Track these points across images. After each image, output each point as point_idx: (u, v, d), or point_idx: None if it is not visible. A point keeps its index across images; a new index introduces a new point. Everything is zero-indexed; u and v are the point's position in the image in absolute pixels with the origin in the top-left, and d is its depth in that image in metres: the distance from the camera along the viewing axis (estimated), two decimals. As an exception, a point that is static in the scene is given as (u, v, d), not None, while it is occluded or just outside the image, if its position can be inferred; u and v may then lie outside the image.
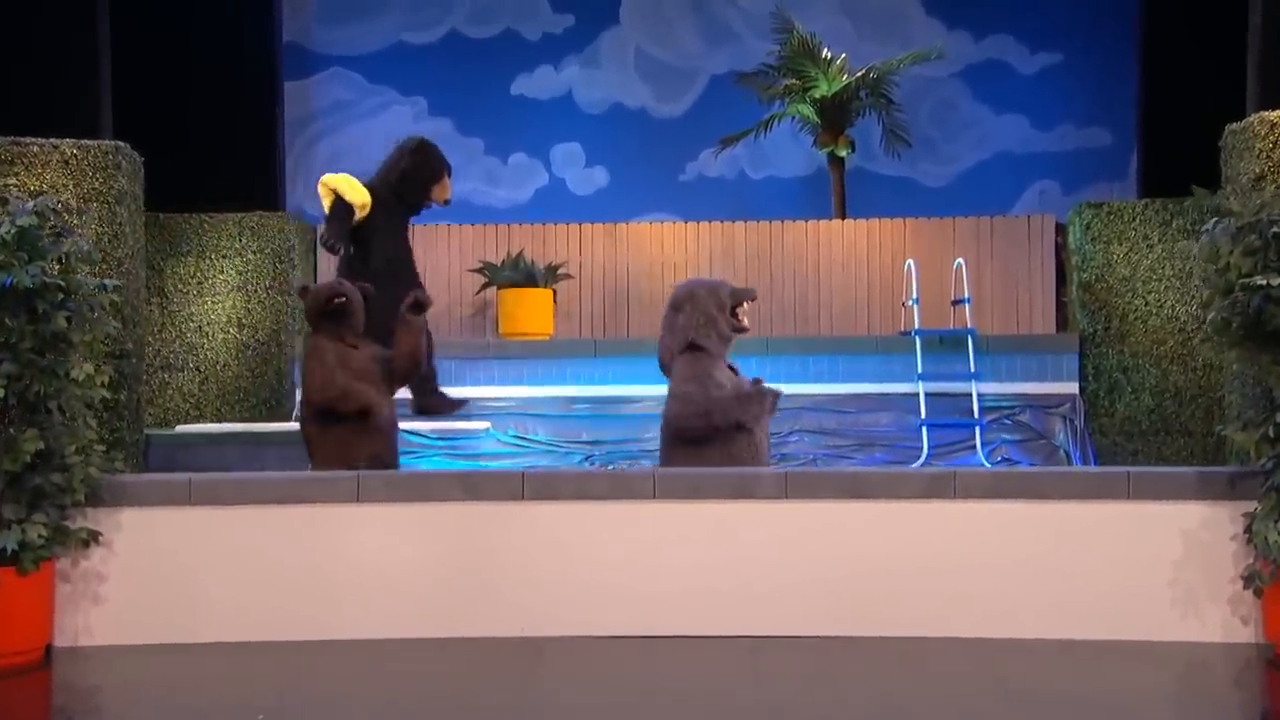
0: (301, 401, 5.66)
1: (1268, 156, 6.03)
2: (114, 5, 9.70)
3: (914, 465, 7.93)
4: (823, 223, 9.98)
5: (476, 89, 11.57)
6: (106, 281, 5.03)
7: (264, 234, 9.02)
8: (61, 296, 4.82)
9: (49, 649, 4.98)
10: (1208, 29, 10.03)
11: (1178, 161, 9.44)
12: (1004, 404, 8.69)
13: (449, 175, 6.95)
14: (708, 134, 11.10)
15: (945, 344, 8.71)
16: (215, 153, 10.38)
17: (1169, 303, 8.69)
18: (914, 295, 8.90)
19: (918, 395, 8.45)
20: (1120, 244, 8.84)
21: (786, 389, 8.65)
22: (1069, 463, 8.36)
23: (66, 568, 5.02)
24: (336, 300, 5.55)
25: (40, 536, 4.76)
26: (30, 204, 4.81)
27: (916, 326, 8.74)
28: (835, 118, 10.57)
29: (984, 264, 9.55)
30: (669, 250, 9.92)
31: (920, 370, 8.49)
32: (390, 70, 11.62)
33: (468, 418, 7.94)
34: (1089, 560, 4.99)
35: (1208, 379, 8.45)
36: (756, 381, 5.57)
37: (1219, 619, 4.95)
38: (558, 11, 11.67)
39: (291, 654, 4.91)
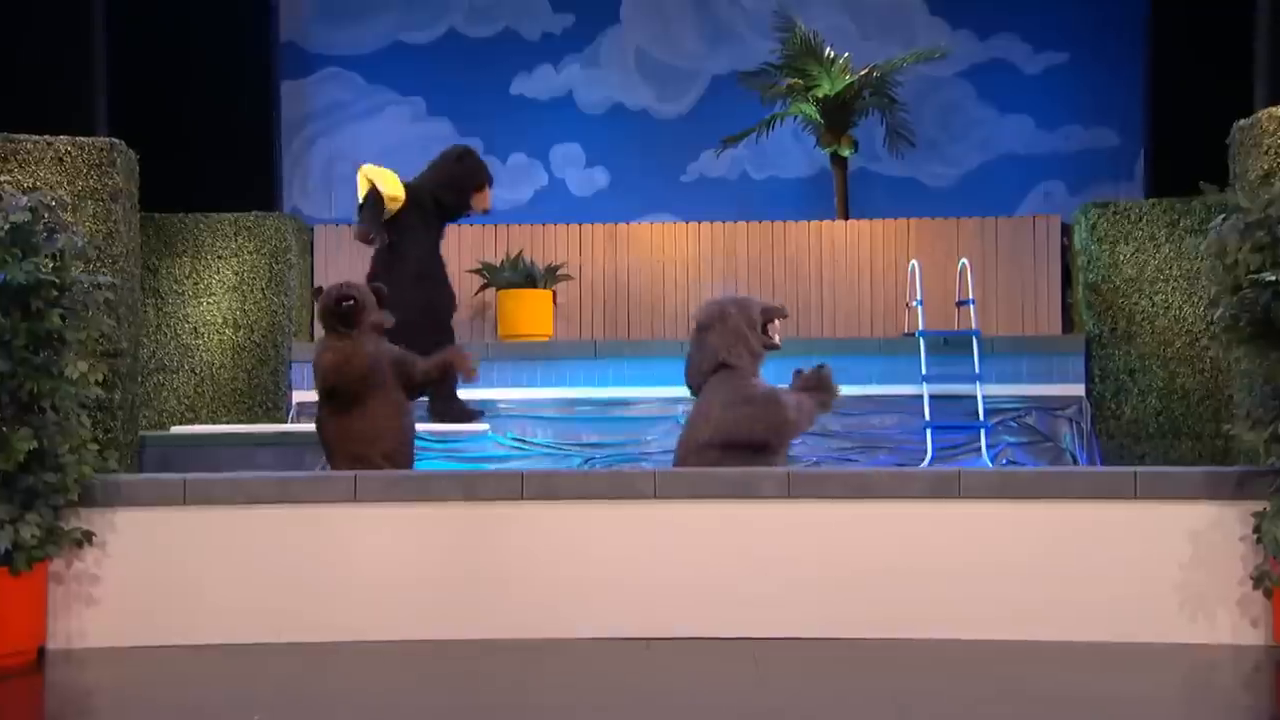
0: (317, 401, 5.67)
1: (1276, 152, 6.03)
2: (110, 4, 9.71)
3: (918, 468, 7.91)
4: (825, 223, 9.99)
5: (475, 89, 11.56)
6: (101, 278, 5.02)
7: (260, 234, 9.03)
8: (55, 294, 4.82)
9: (42, 651, 4.97)
10: (1215, 28, 10.02)
11: (1185, 162, 9.41)
12: (1009, 406, 8.68)
13: (490, 185, 7.00)
14: (709, 134, 11.09)
15: (950, 345, 8.70)
16: (212, 153, 10.38)
17: (1176, 303, 8.69)
18: (918, 296, 8.90)
19: (922, 397, 8.45)
20: (1127, 244, 8.84)
21: (788, 391, 8.77)
22: (1075, 465, 8.35)
23: (60, 568, 5.01)
24: (345, 303, 5.58)
25: (33, 537, 4.75)
26: (24, 200, 4.81)
27: (920, 328, 8.74)
28: (838, 117, 10.56)
29: (989, 265, 9.54)
30: (670, 251, 9.93)
31: (924, 372, 8.48)
32: (388, 70, 11.61)
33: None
34: (1096, 561, 4.98)
35: (1215, 380, 8.45)
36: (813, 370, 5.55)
37: (1228, 620, 4.94)
38: (558, 11, 11.66)
39: (288, 656, 4.89)
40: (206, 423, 8.62)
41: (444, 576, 5.06)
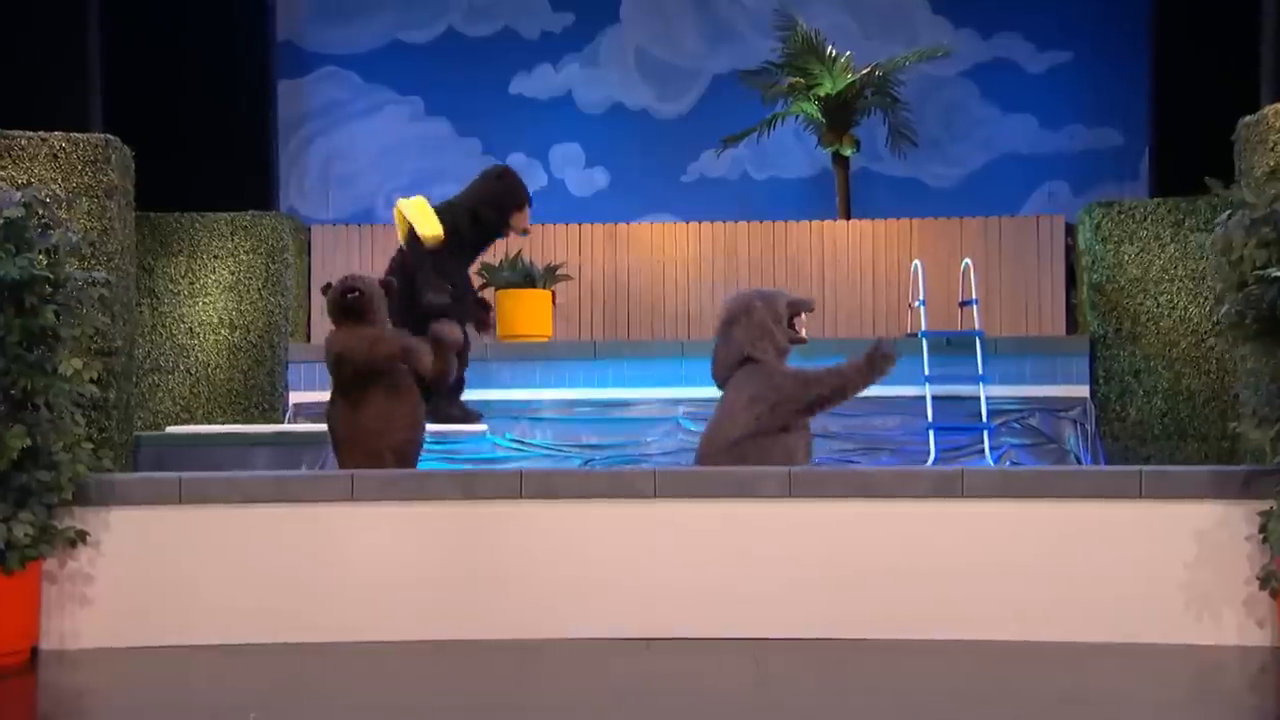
0: (330, 392, 5.66)
1: (1282, 150, 6.04)
2: (104, 2, 9.72)
3: (921, 467, 7.90)
4: (827, 223, 9.99)
5: (474, 88, 11.58)
6: (96, 274, 5.02)
7: (257, 234, 9.03)
8: (50, 290, 4.82)
9: (35, 651, 4.96)
10: (1220, 25, 10.03)
11: (1190, 162, 9.38)
12: (1013, 407, 8.67)
13: (529, 204, 7.02)
14: (710, 134, 11.10)
15: (952, 346, 8.70)
16: (208, 152, 10.39)
17: (1181, 304, 8.69)
18: (920, 296, 8.89)
19: (924, 398, 8.44)
20: (1132, 244, 8.84)
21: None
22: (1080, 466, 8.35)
23: (53, 568, 5.00)
24: (350, 294, 5.58)
25: (26, 535, 4.74)
26: (18, 195, 4.81)
27: (923, 328, 8.73)
28: (840, 116, 10.57)
29: (992, 265, 9.55)
30: (670, 251, 9.93)
31: (927, 373, 8.47)
32: (386, 69, 11.63)
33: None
34: (1100, 561, 4.96)
35: (1221, 381, 8.45)
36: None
37: (1234, 621, 4.93)
38: (557, 10, 11.68)
39: (284, 656, 4.89)
40: (202, 424, 8.62)
41: (442, 576, 5.05)
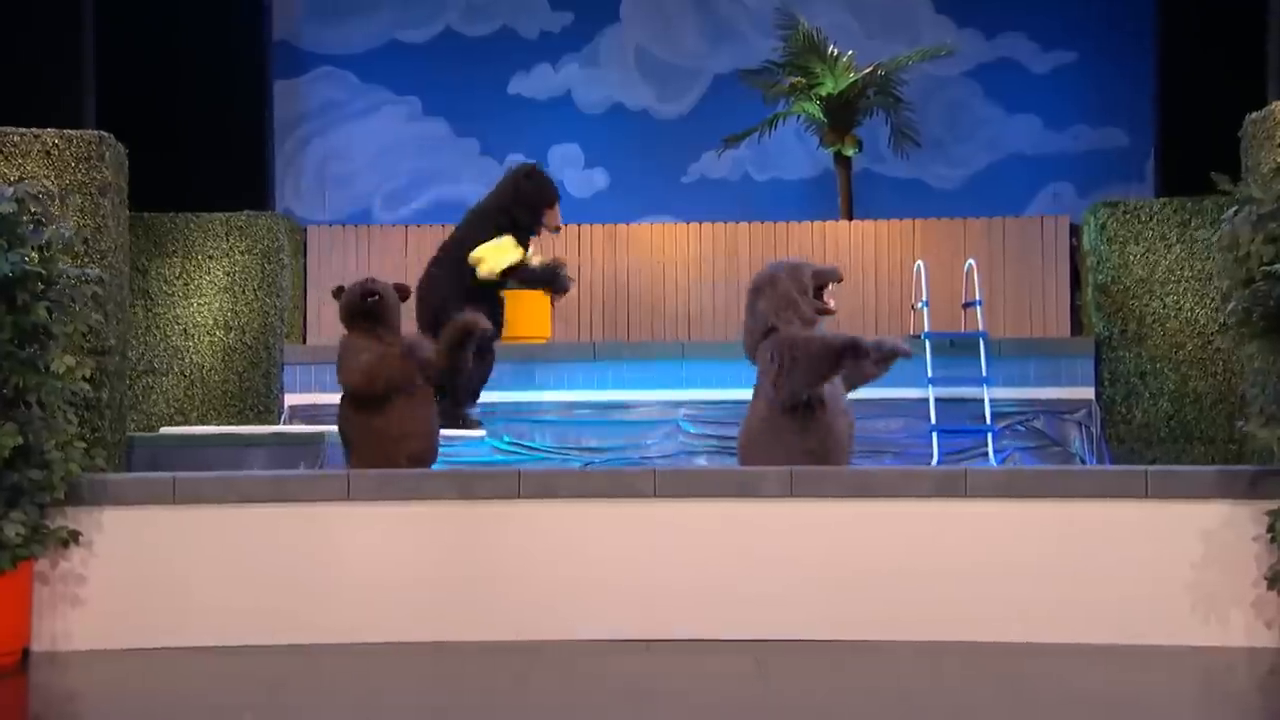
0: (341, 399, 5.65)
1: (1289, 146, 6.05)
2: (99, 1, 9.73)
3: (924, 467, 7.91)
4: (829, 223, 10.00)
5: (472, 89, 11.60)
6: (89, 271, 5.02)
7: (252, 234, 9.04)
8: (42, 286, 4.81)
9: (26, 653, 4.94)
10: (1225, 24, 10.05)
11: (1196, 163, 9.39)
12: (1017, 410, 8.68)
13: (559, 201, 7.04)
14: (710, 135, 11.12)
15: (956, 347, 8.70)
16: (203, 153, 10.40)
17: (1188, 305, 8.69)
18: (923, 298, 8.90)
19: (928, 400, 8.44)
20: (1137, 244, 8.84)
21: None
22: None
23: (45, 569, 4.99)
24: (370, 299, 5.57)
25: (18, 535, 4.72)
26: (10, 190, 4.81)
27: (926, 330, 8.73)
28: (842, 116, 10.58)
29: (996, 266, 9.56)
30: (670, 252, 9.94)
31: (930, 375, 8.48)
32: (383, 69, 11.65)
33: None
34: (1105, 562, 4.95)
35: (1228, 383, 8.45)
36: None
37: (1242, 622, 4.91)
38: (556, 9, 11.70)
39: (279, 658, 4.88)
40: (196, 426, 8.62)
41: (439, 577, 5.04)
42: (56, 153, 6.37)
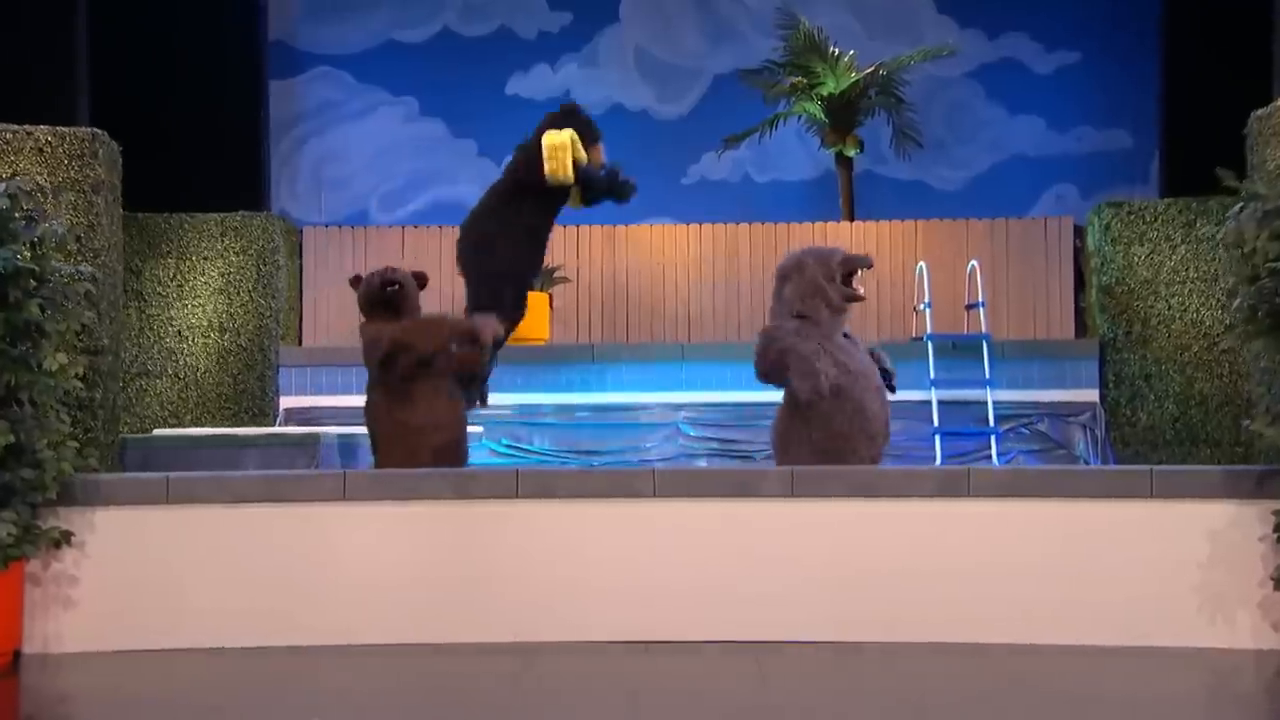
0: (368, 394, 5.62)
1: (1294, 143, 6.06)
2: (92, 0, 9.74)
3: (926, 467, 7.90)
4: (830, 224, 10.01)
5: (469, 89, 11.60)
6: (82, 268, 5.02)
7: (247, 235, 9.04)
8: (34, 283, 4.81)
9: (17, 655, 4.94)
10: (1231, 25, 10.06)
11: (1201, 165, 9.40)
12: (1021, 412, 8.68)
13: (601, 140, 6.98)
14: (711, 136, 11.12)
15: (959, 349, 8.70)
16: (197, 153, 10.40)
17: (1193, 306, 8.69)
18: (926, 299, 8.90)
19: (930, 403, 8.43)
20: (1141, 245, 8.85)
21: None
22: (1089, 471, 8.36)
23: (37, 569, 4.99)
24: (389, 288, 5.57)
25: (9, 535, 4.72)
26: (2, 186, 4.81)
27: (928, 331, 8.73)
28: (843, 116, 10.59)
29: (999, 267, 9.56)
30: (670, 253, 9.94)
31: (933, 377, 8.47)
32: (380, 69, 11.66)
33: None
34: (1110, 562, 4.95)
35: (1235, 386, 8.45)
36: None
37: (1248, 624, 4.91)
38: (555, 9, 11.71)
39: (274, 660, 4.87)
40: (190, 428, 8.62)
41: (436, 578, 5.04)
42: (49, 150, 6.37)
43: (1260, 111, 6.34)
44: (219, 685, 4.62)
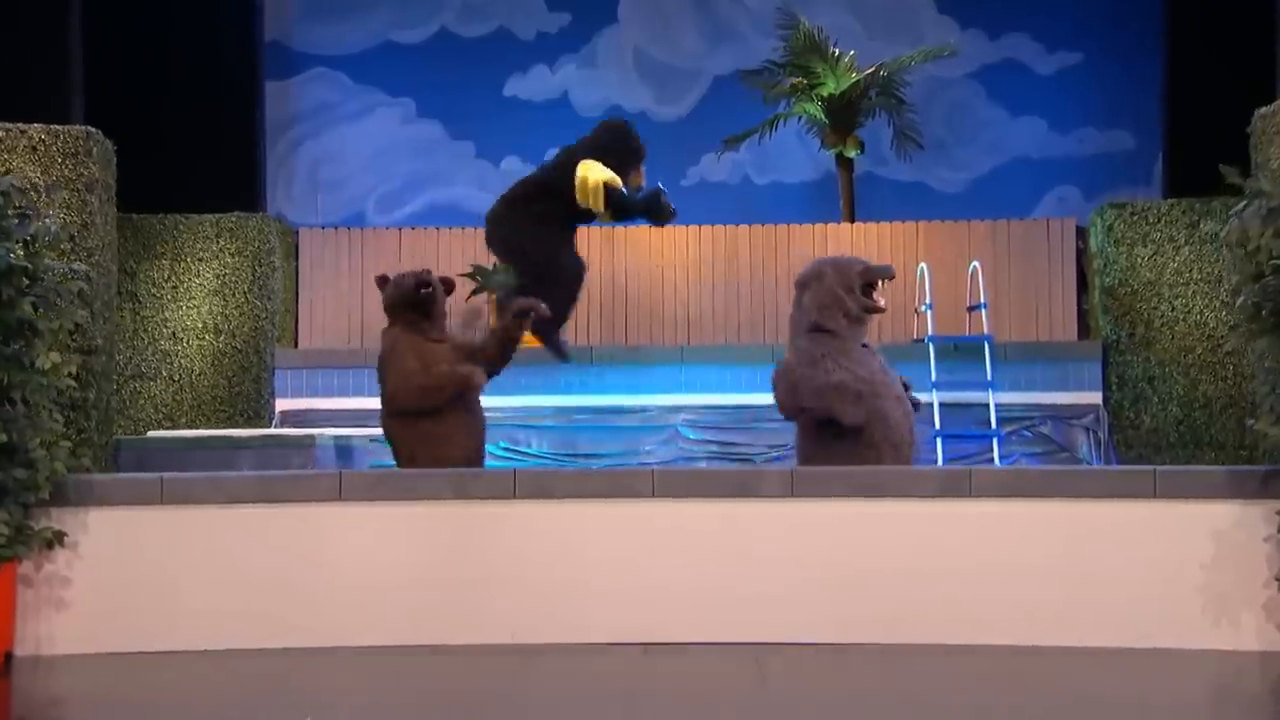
0: (382, 400, 5.59)
1: (1299, 140, 6.06)
2: (87, 0, 9.75)
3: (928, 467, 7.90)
4: (830, 225, 10.01)
5: (467, 90, 11.61)
6: (76, 266, 5.02)
7: (243, 236, 9.04)
8: (27, 281, 4.81)
9: (9, 657, 4.93)
10: (1234, 25, 10.06)
11: (1205, 166, 9.40)
12: (1023, 415, 8.68)
13: (644, 162, 6.99)
14: (710, 137, 11.12)
15: (960, 351, 8.70)
16: (192, 154, 10.41)
17: (1197, 308, 8.69)
18: (927, 301, 8.90)
19: (931, 405, 8.42)
20: (1145, 246, 8.85)
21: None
22: (1092, 473, 8.36)
23: (29, 570, 4.98)
24: (424, 290, 5.55)
25: (1, 536, 4.72)
26: (-6, 182, 4.82)
27: (930, 333, 8.73)
28: (843, 117, 10.59)
29: (1001, 268, 9.56)
30: (669, 254, 9.94)
31: (934, 379, 8.46)
32: (377, 70, 11.66)
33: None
34: (1113, 563, 4.95)
35: (1239, 388, 8.45)
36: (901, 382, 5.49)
37: (1253, 625, 4.90)
38: (553, 9, 11.72)
39: (269, 662, 4.86)
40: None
41: (433, 579, 5.03)
42: (43, 148, 6.36)
43: (1264, 109, 6.35)
44: (213, 688, 4.61)
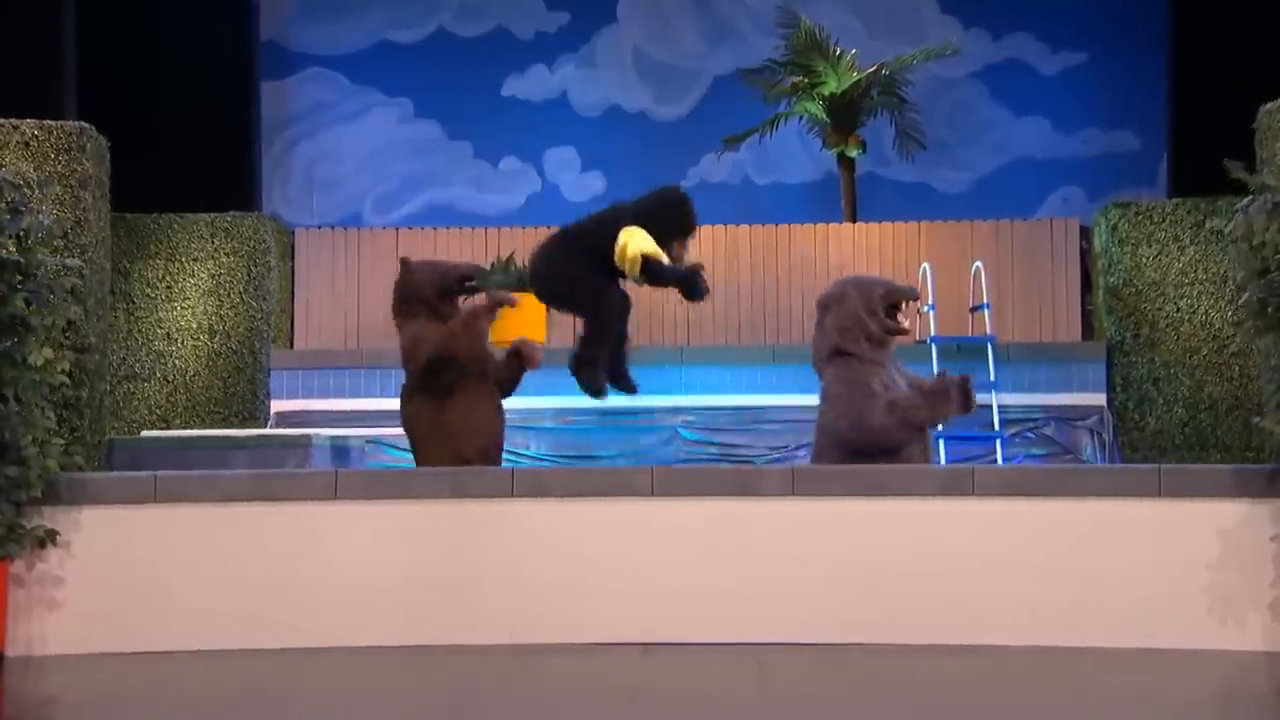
0: (408, 396, 5.62)
1: (1305, 136, 6.06)
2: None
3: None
4: (832, 226, 10.01)
5: (465, 90, 11.64)
6: (69, 261, 5.02)
7: (238, 235, 9.04)
8: (19, 277, 4.81)
9: (0, 658, 4.92)
10: (1239, 24, 10.07)
11: (1211, 167, 9.40)
12: (1026, 416, 8.68)
13: (692, 237, 7.05)
14: (710, 137, 11.13)
15: (963, 352, 8.70)
16: (187, 154, 10.43)
17: (1203, 308, 8.69)
18: (929, 301, 8.89)
19: (933, 406, 8.42)
20: (1149, 246, 8.85)
21: (794, 400, 8.74)
22: (1096, 472, 8.36)
23: (21, 570, 4.98)
24: (469, 283, 5.66)
25: (-7, 534, 4.73)
26: (-13, 178, 4.82)
27: (932, 334, 8.73)
28: (845, 116, 10.60)
29: (1004, 268, 9.55)
30: (669, 255, 9.92)
31: (937, 380, 8.46)
32: (374, 70, 11.69)
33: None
34: (1118, 562, 4.94)
35: (1245, 389, 8.44)
36: (940, 375, 5.50)
37: (1260, 625, 4.90)
38: (552, 9, 11.74)
39: (264, 662, 4.86)
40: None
41: (430, 578, 5.03)
42: (35, 144, 6.36)
43: (1270, 105, 6.36)
44: (208, 688, 4.61)
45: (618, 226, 6.80)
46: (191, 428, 8.68)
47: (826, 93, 10.58)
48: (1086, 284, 9.53)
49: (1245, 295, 4.88)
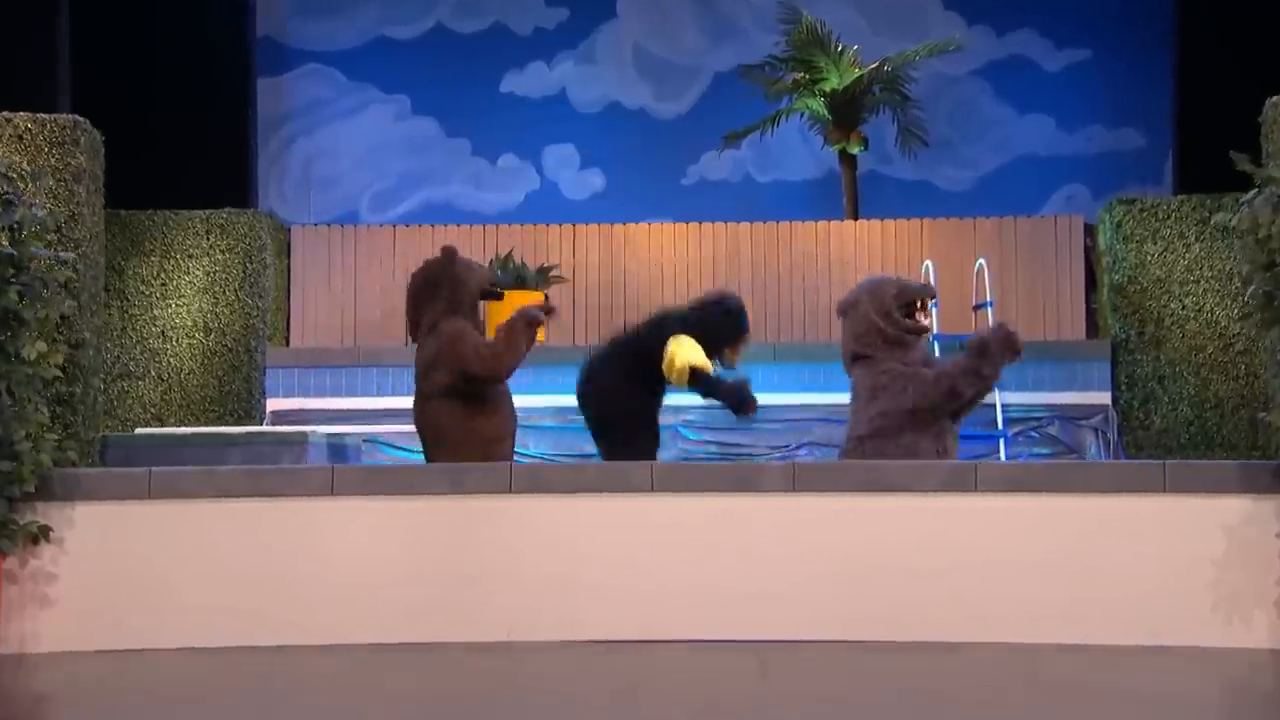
0: (428, 401, 5.66)
1: (1311, 129, 6.08)
2: (76, -5, 9.79)
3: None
4: (834, 223, 10.02)
5: (463, 86, 11.65)
6: (63, 254, 5.02)
7: (234, 233, 9.05)
8: (12, 270, 4.82)
9: (-7, 655, 4.95)
10: (1245, 20, 10.08)
11: (1216, 165, 9.42)
12: (1031, 415, 8.68)
13: (743, 341, 7.07)
14: (710, 135, 11.15)
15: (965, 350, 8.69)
16: (183, 150, 10.44)
17: (1208, 305, 8.70)
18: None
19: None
20: (1154, 243, 8.86)
21: (795, 399, 8.76)
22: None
23: (13, 566, 4.97)
24: (498, 290, 5.93)
25: (-14, 530, 4.73)
26: (-21, 170, 4.83)
27: (935, 331, 8.72)
28: (847, 113, 10.61)
29: (1008, 266, 9.56)
30: (668, 253, 9.95)
31: (939, 378, 8.46)
32: (371, 66, 11.70)
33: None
34: (1122, 559, 4.95)
35: (1251, 388, 8.45)
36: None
37: (1265, 623, 4.89)
38: (551, 4, 11.76)
39: (260, 660, 4.86)
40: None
41: (427, 575, 5.03)
42: (29, 137, 6.37)
43: (1275, 98, 6.37)
44: (203, 686, 4.61)
45: (668, 333, 6.81)
46: (186, 426, 8.69)
47: (828, 89, 10.59)
48: (1091, 282, 9.54)
49: (1251, 288, 4.89)
